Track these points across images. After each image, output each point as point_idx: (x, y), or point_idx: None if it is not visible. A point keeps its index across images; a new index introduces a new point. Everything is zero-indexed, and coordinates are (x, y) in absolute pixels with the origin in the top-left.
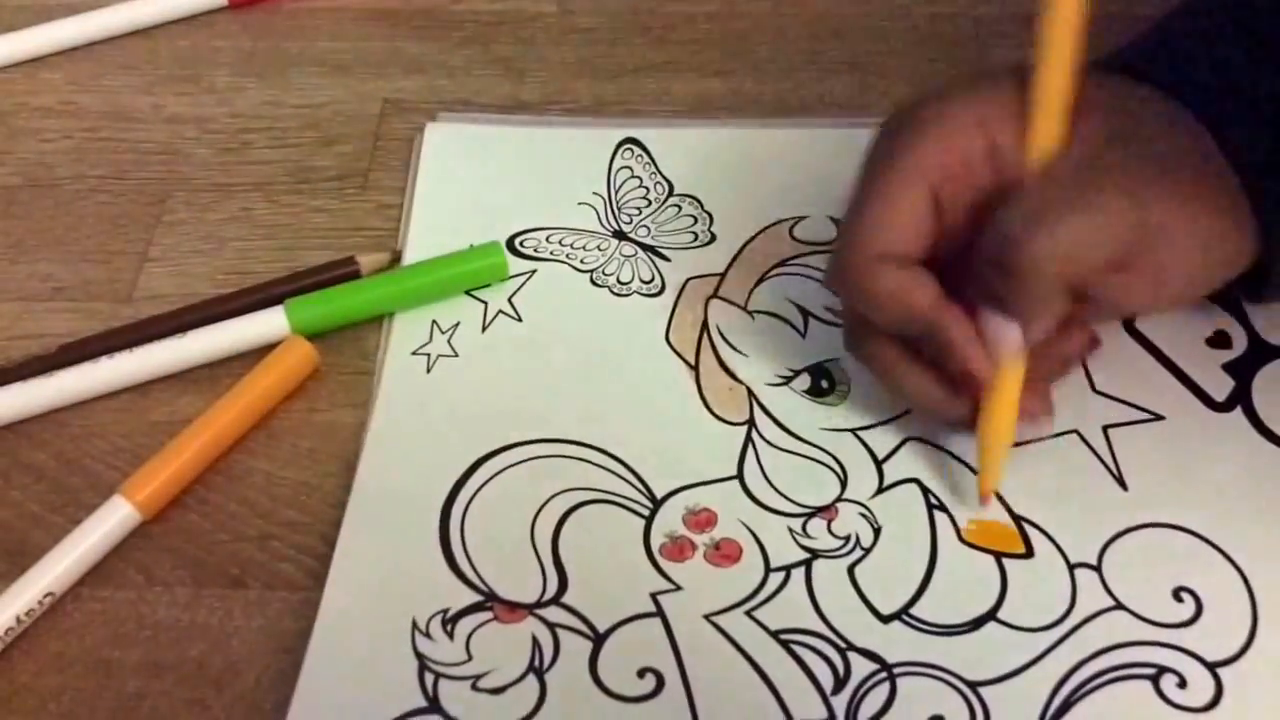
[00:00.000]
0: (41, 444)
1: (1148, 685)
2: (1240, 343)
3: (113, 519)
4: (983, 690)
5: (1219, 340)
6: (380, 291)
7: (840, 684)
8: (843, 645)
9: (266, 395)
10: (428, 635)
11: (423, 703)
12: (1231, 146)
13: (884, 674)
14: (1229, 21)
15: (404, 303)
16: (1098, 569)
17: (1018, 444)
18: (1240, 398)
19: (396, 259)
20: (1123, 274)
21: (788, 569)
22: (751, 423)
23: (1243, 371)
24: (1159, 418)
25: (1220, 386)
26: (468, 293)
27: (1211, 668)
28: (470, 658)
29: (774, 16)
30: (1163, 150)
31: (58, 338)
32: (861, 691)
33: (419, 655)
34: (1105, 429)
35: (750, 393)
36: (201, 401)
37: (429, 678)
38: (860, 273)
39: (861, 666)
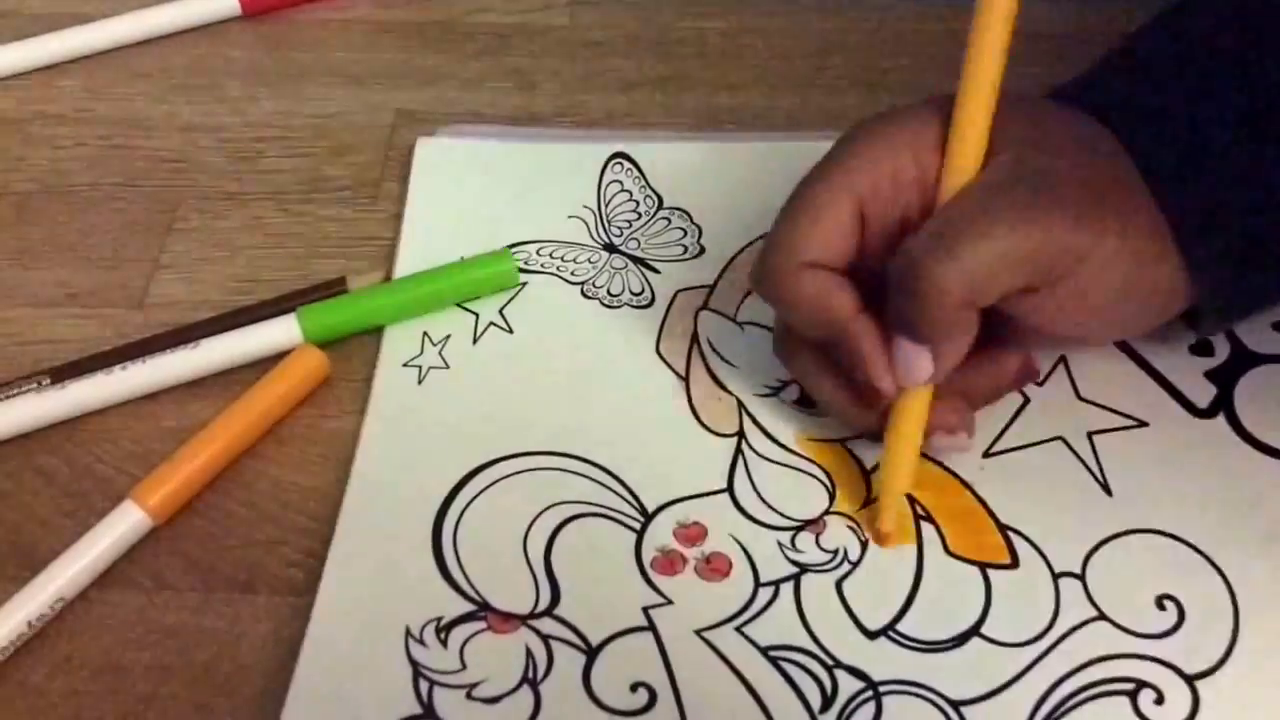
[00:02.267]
0: (52, 448)
1: (1125, 702)
2: (1222, 350)
3: (124, 524)
4: (965, 710)
5: (1201, 348)
6: (394, 298)
7: (828, 702)
8: (830, 663)
9: (278, 403)
10: (421, 642)
11: (418, 709)
12: (1157, 183)
13: (870, 692)
14: (1171, 55)
15: (418, 309)
16: (1081, 578)
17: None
18: (1222, 404)
19: (389, 279)
20: (1037, 297)
21: (777, 584)
22: (741, 434)
23: (1225, 378)
24: (1143, 424)
25: (1203, 393)
26: (458, 304)
27: (1189, 680)
28: (464, 666)
29: (784, 32)
30: (1070, 174)
31: (70, 343)
32: (848, 710)
33: (413, 662)
34: (1090, 435)
35: (740, 404)
36: (212, 407)
37: (423, 684)
38: (783, 277)
39: (848, 684)
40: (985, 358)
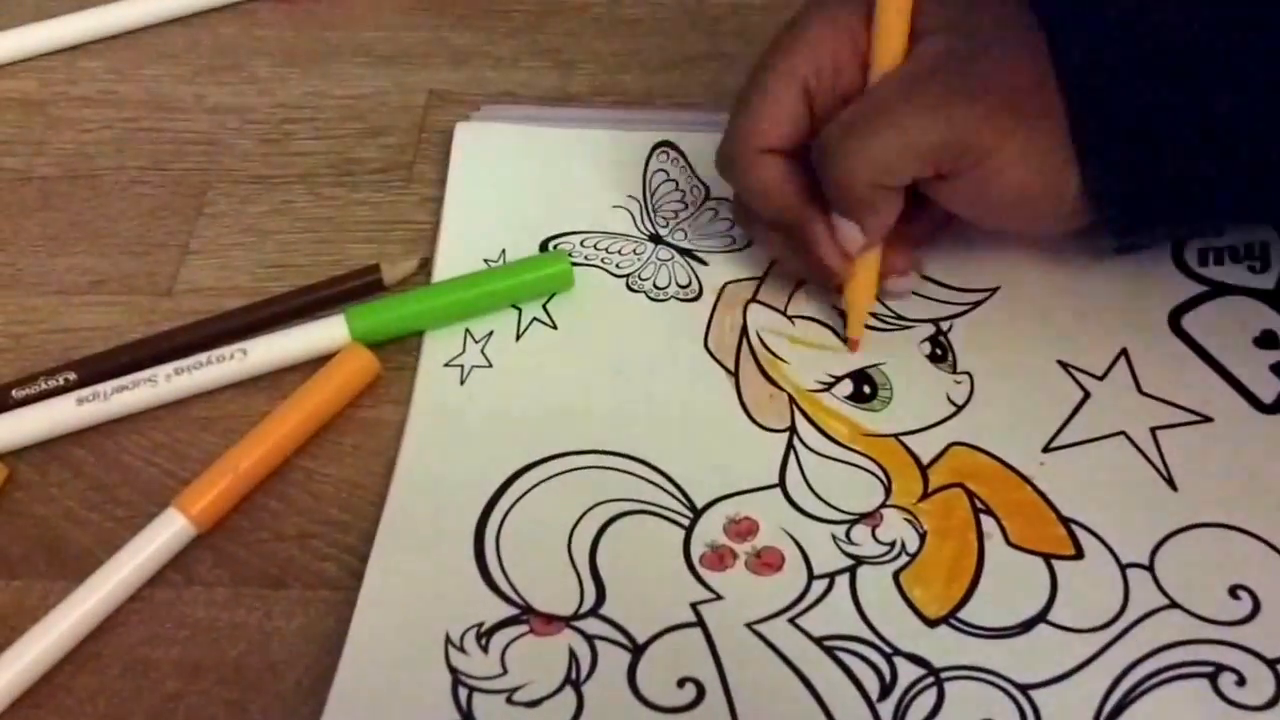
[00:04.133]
0: (80, 440)
1: (1205, 684)
2: None
3: (168, 532)
4: (1034, 693)
5: (1267, 340)
6: (446, 301)
7: (886, 690)
8: (888, 651)
9: (326, 405)
10: (461, 649)
11: (456, 717)
12: (1067, 72)
13: (931, 679)
14: None
15: (471, 312)
16: (1150, 569)
17: (1063, 441)
18: None
19: (424, 265)
20: (948, 183)
21: (831, 576)
22: (793, 430)
23: None
24: (1207, 419)
25: (1268, 388)
26: None
27: (1271, 665)
28: (505, 671)
29: None
30: (990, 70)
31: (97, 331)
32: (909, 697)
33: (452, 669)
34: (1153, 430)
35: (791, 399)
36: (244, 398)
37: (463, 692)
38: (742, 163)
39: (908, 672)
40: (920, 207)
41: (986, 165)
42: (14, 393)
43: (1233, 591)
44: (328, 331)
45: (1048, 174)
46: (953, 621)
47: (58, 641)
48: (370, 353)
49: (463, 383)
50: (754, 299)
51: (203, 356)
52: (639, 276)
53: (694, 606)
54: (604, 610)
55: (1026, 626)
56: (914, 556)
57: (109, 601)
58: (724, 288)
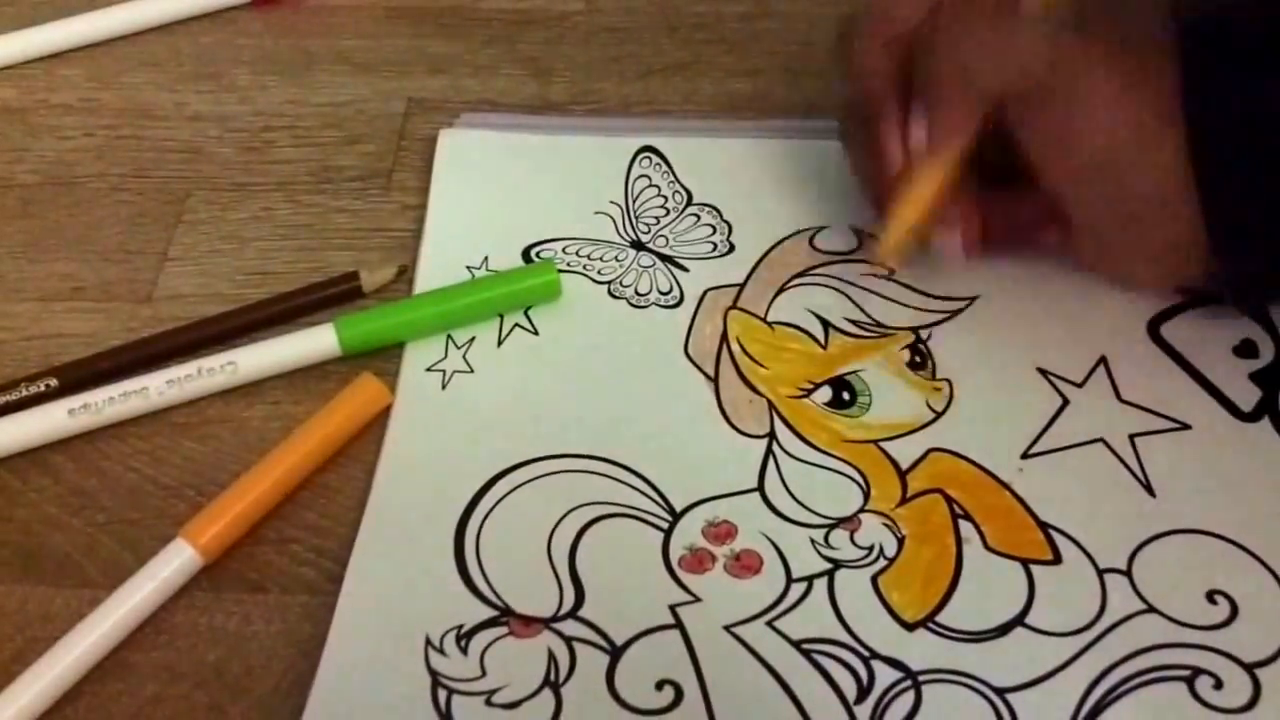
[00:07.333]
0: (58, 445)
1: (1182, 687)
2: (1268, 352)
3: (176, 563)
4: (1011, 696)
5: (1245, 349)
6: (433, 311)
7: (864, 693)
8: (866, 654)
9: (337, 435)
10: (441, 651)
11: (435, 719)
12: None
13: (909, 682)
14: None
15: (458, 322)
16: (1128, 574)
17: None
18: (1268, 407)
19: (403, 272)
20: (1029, 112)
21: (810, 579)
22: (772, 435)
23: (1270, 381)
24: (1185, 427)
25: (1247, 396)
26: None
27: (1249, 669)
28: (484, 673)
29: (804, 16)
30: (1115, 25)
31: (77, 338)
32: (886, 700)
33: (432, 672)
34: (1131, 438)
35: (771, 405)
36: (222, 404)
37: (442, 694)
38: (861, 46)
39: (886, 675)
40: (1006, 194)
41: (1068, 100)
42: None
43: (1210, 596)
44: (317, 341)
45: (1131, 126)
46: (930, 625)
47: (64, 672)
48: (383, 386)
49: (444, 387)
50: (734, 305)
51: (192, 369)
52: (620, 283)
53: (672, 609)
54: (583, 612)
55: (1004, 630)
56: (892, 560)
57: (113, 634)
58: (705, 294)
